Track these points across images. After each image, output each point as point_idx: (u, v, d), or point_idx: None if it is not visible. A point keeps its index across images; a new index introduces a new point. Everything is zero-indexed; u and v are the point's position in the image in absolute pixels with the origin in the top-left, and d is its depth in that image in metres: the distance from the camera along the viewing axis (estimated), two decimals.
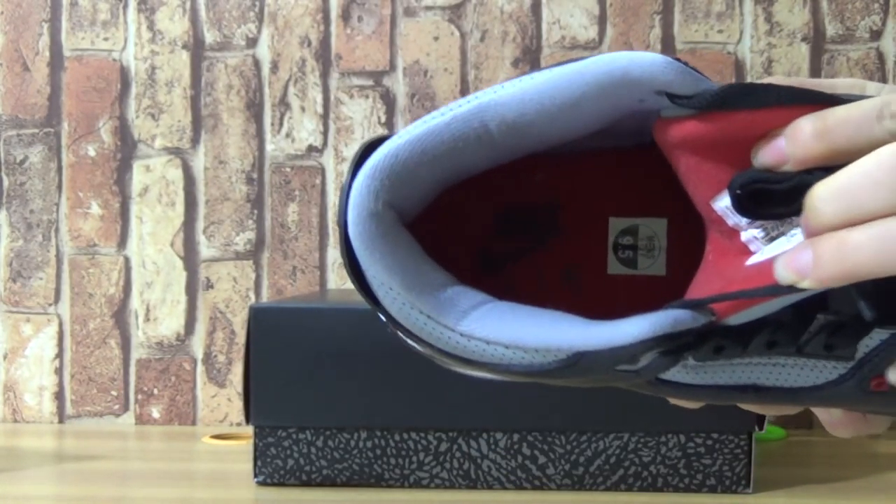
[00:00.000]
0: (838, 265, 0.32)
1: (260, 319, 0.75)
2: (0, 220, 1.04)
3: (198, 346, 1.04)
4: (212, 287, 1.04)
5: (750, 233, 0.35)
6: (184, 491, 0.75)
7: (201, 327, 1.04)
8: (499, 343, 0.35)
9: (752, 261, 0.35)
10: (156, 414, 1.04)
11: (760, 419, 0.74)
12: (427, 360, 0.75)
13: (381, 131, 1.04)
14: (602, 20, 1.03)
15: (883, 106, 0.33)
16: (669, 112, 0.35)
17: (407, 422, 0.75)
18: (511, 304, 0.36)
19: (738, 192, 0.34)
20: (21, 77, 1.04)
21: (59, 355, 1.04)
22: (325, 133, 1.04)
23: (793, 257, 0.33)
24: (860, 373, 0.37)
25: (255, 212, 1.04)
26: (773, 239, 0.35)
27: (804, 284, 0.33)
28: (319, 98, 1.04)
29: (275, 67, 1.04)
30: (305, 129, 1.04)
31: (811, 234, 0.34)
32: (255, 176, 1.04)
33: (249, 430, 1.02)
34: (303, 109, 1.04)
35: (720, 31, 1.03)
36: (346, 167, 1.03)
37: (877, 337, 0.37)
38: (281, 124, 1.04)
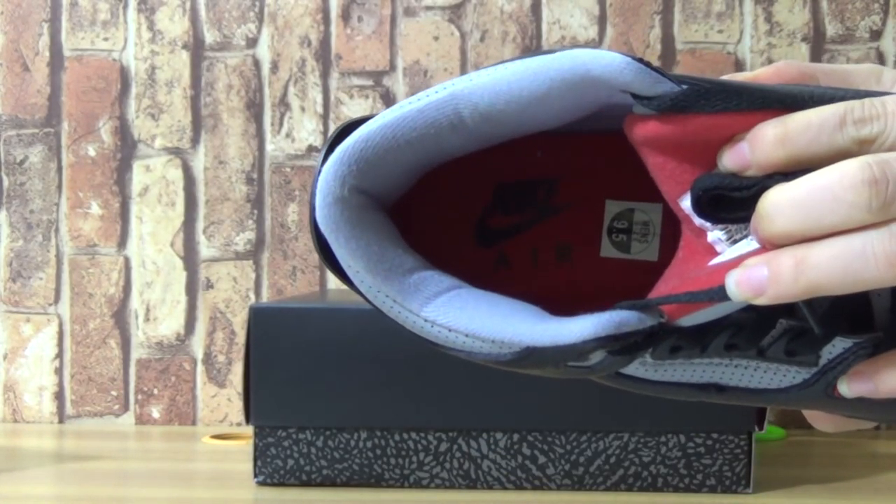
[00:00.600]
0: (796, 283, 0.32)
1: (260, 319, 0.75)
2: (0, 220, 1.04)
3: (198, 346, 1.04)
4: (212, 287, 1.04)
5: (715, 234, 0.35)
6: (184, 491, 0.75)
7: (201, 327, 1.04)
8: (459, 331, 0.35)
9: (714, 262, 0.35)
10: (156, 414, 1.04)
11: (760, 419, 0.74)
12: (427, 360, 0.75)
13: None
14: (602, 20, 1.03)
15: (846, 112, 0.32)
16: (637, 109, 0.35)
17: (407, 422, 0.75)
18: (477, 291, 0.36)
19: (699, 195, 0.34)
20: (21, 77, 1.04)
21: (59, 355, 1.04)
22: (326, 133, 1.04)
23: (746, 275, 0.32)
24: (824, 379, 0.37)
25: (255, 212, 1.04)
26: (735, 241, 0.35)
27: (759, 301, 0.32)
28: (319, 98, 1.04)
29: (275, 67, 1.04)
30: (305, 129, 1.04)
31: (762, 241, 0.33)
32: (255, 176, 1.04)
33: (249, 430, 1.02)
34: (303, 109, 1.04)
35: (720, 31, 1.03)
36: None
37: (839, 345, 0.36)
38: (281, 124, 1.04)
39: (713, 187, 0.34)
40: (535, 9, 1.03)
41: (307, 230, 1.04)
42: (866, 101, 0.33)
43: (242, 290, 1.04)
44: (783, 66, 0.39)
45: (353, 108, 1.03)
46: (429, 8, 1.04)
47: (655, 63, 1.03)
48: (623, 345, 0.34)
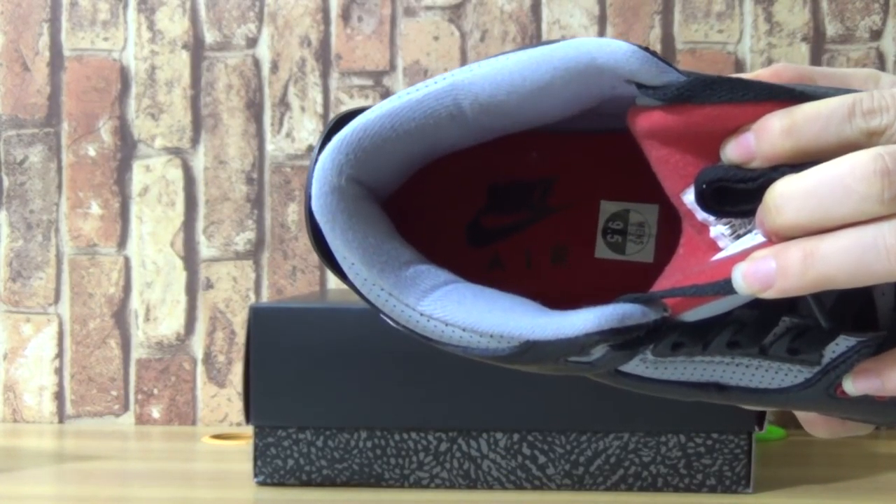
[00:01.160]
0: (805, 276, 0.31)
1: (260, 319, 0.75)
2: (0, 220, 1.04)
3: (198, 346, 1.04)
4: (212, 287, 1.04)
5: (718, 228, 0.35)
6: (184, 491, 0.75)
7: (201, 327, 1.04)
8: (456, 326, 0.35)
9: (717, 257, 0.34)
10: (156, 414, 1.04)
11: (760, 419, 0.74)
12: (427, 360, 0.75)
13: None
14: (602, 20, 1.03)
15: (855, 103, 0.32)
16: (640, 101, 0.34)
17: (407, 422, 0.75)
18: (473, 286, 0.36)
19: (703, 188, 0.34)
20: (21, 77, 1.04)
21: (59, 355, 1.04)
22: None
23: (753, 268, 0.32)
24: (826, 378, 0.36)
25: (255, 212, 1.04)
26: (739, 236, 0.34)
27: (766, 295, 0.32)
28: (319, 98, 1.04)
29: (275, 67, 1.04)
30: (305, 129, 1.04)
31: (769, 233, 0.32)
32: (255, 176, 1.04)
33: (249, 430, 1.02)
34: (303, 109, 1.04)
35: (720, 31, 1.03)
36: None
37: (843, 343, 0.36)
38: (281, 124, 1.04)
39: (717, 179, 0.33)
40: (535, 9, 1.03)
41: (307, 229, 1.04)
42: (875, 92, 0.32)
43: (242, 290, 1.04)
44: (781, 68, 0.38)
45: None
46: (429, 8, 1.04)
47: None
48: (626, 339, 0.34)
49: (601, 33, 1.03)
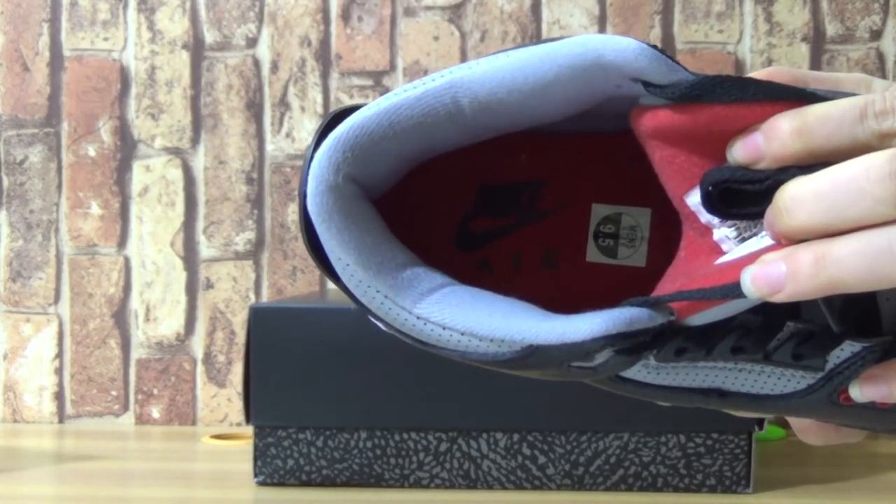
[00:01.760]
0: (816, 280, 0.30)
1: (260, 319, 0.75)
2: (0, 220, 1.04)
3: (198, 346, 1.04)
4: (212, 287, 1.04)
5: (722, 231, 0.34)
6: (184, 491, 0.75)
7: (201, 327, 1.04)
8: (454, 329, 0.34)
9: (722, 260, 0.33)
10: (156, 414, 1.04)
11: (760, 419, 0.74)
12: (427, 360, 0.75)
13: None
14: (602, 20, 1.03)
15: (867, 105, 0.31)
16: (646, 100, 0.33)
17: (407, 422, 0.75)
18: (472, 289, 0.35)
19: (710, 189, 0.33)
20: (21, 77, 1.04)
21: (59, 355, 1.04)
22: None
23: (763, 270, 0.31)
24: (829, 384, 0.36)
25: (255, 212, 1.04)
26: (744, 239, 0.34)
27: (775, 299, 0.31)
28: (319, 98, 1.04)
29: (275, 67, 1.04)
30: (305, 129, 1.04)
31: (779, 235, 0.32)
32: (255, 176, 1.04)
33: (249, 430, 1.02)
34: (303, 109, 1.04)
35: (720, 31, 1.03)
36: None
37: (848, 349, 0.35)
38: (281, 124, 1.04)
39: (724, 180, 0.32)
40: (535, 9, 1.03)
41: None
42: (887, 93, 0.32)
43: (242, 290, 1.04)
44: (775, 71, 0.38)
45: None
46: (429, 8, 1.04)
47: None
48: (632, 344, 0.33)
49: (601, 33, 1.03)
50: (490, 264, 0.40)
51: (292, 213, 1.04)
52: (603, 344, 0.32)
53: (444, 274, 0.35)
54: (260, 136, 1.04)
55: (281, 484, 0.76)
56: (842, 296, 0.34)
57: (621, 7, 1.03)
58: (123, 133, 1.04)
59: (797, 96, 0.32)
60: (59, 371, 1.04)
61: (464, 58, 1.03)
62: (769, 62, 1.03)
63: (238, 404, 1.04)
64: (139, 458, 0.87)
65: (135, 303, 1.04)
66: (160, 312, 1.04)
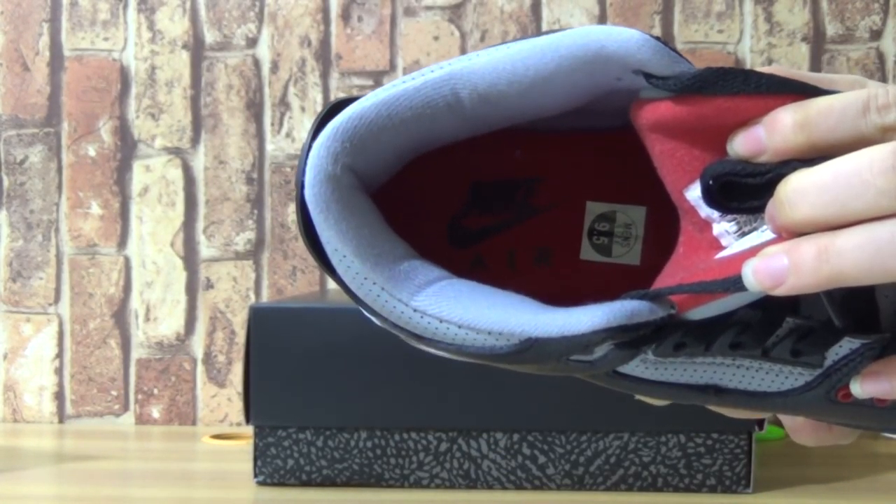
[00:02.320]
0: (818, 273, 0.30)
1: (260, 319, 0.75)
2: (0, 220, 1.04)
3: (198, 346, 1.04)
4: (212, 287, 1.04)
5: (722, 226, 0.34)
6: (184, 491, 0.75)
7: (201, 327, 1.04)
8: (451, 322, 0.33)
9: (722, 255, 0.33)
10: (156, 414, 1.04)
11: (760, 419, 0.74)
12: (427, 360, 0.75)
13: None
14: (602, 20, 1.03)
15: (869, 98, 0.31)
16: (646, 93, 0.33)
17: (407, 422, 0.75)
18: (469, 282, 0.34)
19: (710, 183, 0.32)
20: (21, 77, 1.04)
21: (59, 355, 1.04)
22: None
23: (765, 263, 0.31)
24: (827, 381, 0.35)
25: (255, 212, 1.04)
26: (744, 234, 0.33)
27: (777, 292, 0.31)
28: (319, 98, 1.04)
29: (275, 67, 1.04)
30: (305, 129, 1.04)
31: (780, 228, 0.31)
32: (255, 176, 1.04)
33: (249, 430, 1.02)
34: (303, 109, 1.04)
35: (720, 31, 1.03)
36: None
37: (847, 346, 0.35)
38: (281, 124, 1.04)
39: (724, 174, 0.32)
40: (535, 9, 1.03)
41: None
42: (890, 87, 0.32)
43: (242, 290, 1.04)
44: (771, 70, 0.38)
45: None
46: (429, 8, 1.04)
47: None
48: (632, 337, 0.33)
49: None
50: (484, 261, 0.39)
51: (292, 213, 1.04)
52: (603, 337, 0.32)
53: (440, 267, 0.35)
54: (260, 136, 1.04)
55: (281, 484, 0.76)
56: (841, 292, 0.34)
57: (621, 7, 1.03)
58: (123, 133, 1.04)
59: (799, 90, 0.32)
60: (59, 371, 1.04)
61: None
62: (769, 62, 1.03)
63: (238, 404, 1.04)
64: (139, 458, 0.87)
65: (135, 303, 1.04)
66: (160, 312, 1.04)
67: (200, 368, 1.04)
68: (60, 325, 1.04)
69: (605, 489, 0.75)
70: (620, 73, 0.33)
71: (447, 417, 0.75)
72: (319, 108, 1.04)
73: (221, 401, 1.04)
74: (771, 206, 0.32)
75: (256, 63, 1.04)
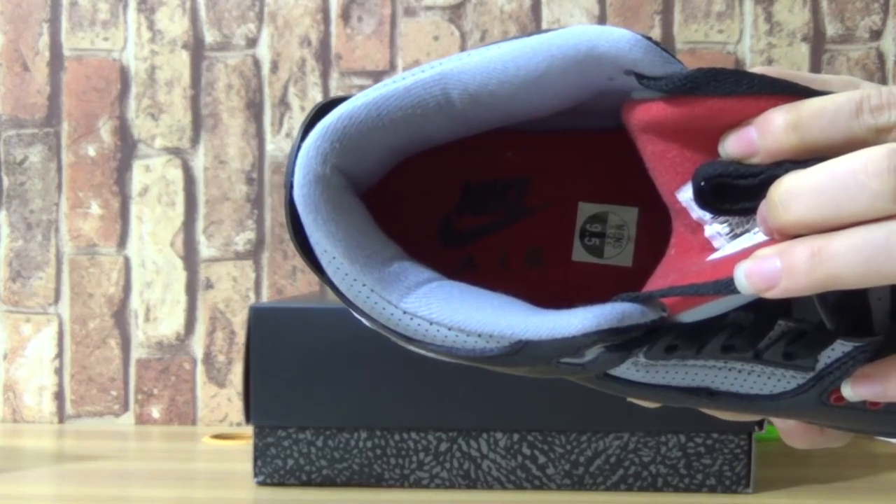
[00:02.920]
0: (812, 276, 0.30)
1: (260, 319, 0.75)
2: (0, 220, 1.04)
3: (198, 346, 1.04)
4: (212, 287, 1.04)
5: (714, 228, 0.33)
6: (184, 491, 0.75)
7: (201, 327, 1.04)
8: (441, 324, 0.33)
9: (714, 257, 0.33)
10: (156, 414, 1.04)
11: (760, 420, 0.74)
12: (427, 360, 0.75)
13: None
14: (602, 20, 1.03)
15: (862, 100, 0.31)
16: (638, 93, 0.33)
17: (407, 422, 0.75)
18: (459, 284, 0.34)
19: (702, 184, 0.32)
20: (21, 77, 1.04)
21: (59, 355, 1.04)
22: None
23: (757, 266, 0.30)
24: (819, 384, 0.35)
25: (255, 212, 1.04)
26: (736, 236, 0.33)
27: (770, 294, 0.30)
28: (319, 98, 1.04)
29: (275, 67, 1.04)
30: None
31: (773, 230, 0.31)
32: (255, 176, 1.04)
33: (249, 430, 1.02)
34: (303, 109, 1.04)
35: (720, 31, 1.03)
36: None
37: (839, 349, 0.34)
38: (281, 124, 1.04)
39: (716, 175, 0.32)
40: (535, 9, 1.03)
41: None
42: (883, 88, 0.31)
43: (242, 290, 1.04)
44: (765, 71, 0.38)
45: None
46: (429, 8, 1.04)
47: None
48: (623, 340, 0.32)
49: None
50: (475, 262, 0.39)
51: None
52: (594, 339, 0.32)
53: (431, 268, 0.34)
54: (260, 135, 1.04)
55: (281, 484, 0.76)
56: (833, 294, 0.34)
57: (621, 7, 1.03)
58: (123, 133, 1.04)
59: (792, 90, 0.32)
60: (59, 371, 1.04)
61: None
62: (769, 62, 1.03)
63: (238, 404, 1.04)
64: (139, 458, 0.87)
65: (135, 303, 1.04)
66: (160, 312, 1.04)
67: (200, 368, 1.04)
68: (60, 325, 1.04)
69: (605, 489, 0.75)
70: (612, 73, 0.32)
71: (447, 417, 0.75)
72: None
73: (221, 401, 1.04)
74: (763, 208, 0.31)
75: (256, 63, 1.04)
